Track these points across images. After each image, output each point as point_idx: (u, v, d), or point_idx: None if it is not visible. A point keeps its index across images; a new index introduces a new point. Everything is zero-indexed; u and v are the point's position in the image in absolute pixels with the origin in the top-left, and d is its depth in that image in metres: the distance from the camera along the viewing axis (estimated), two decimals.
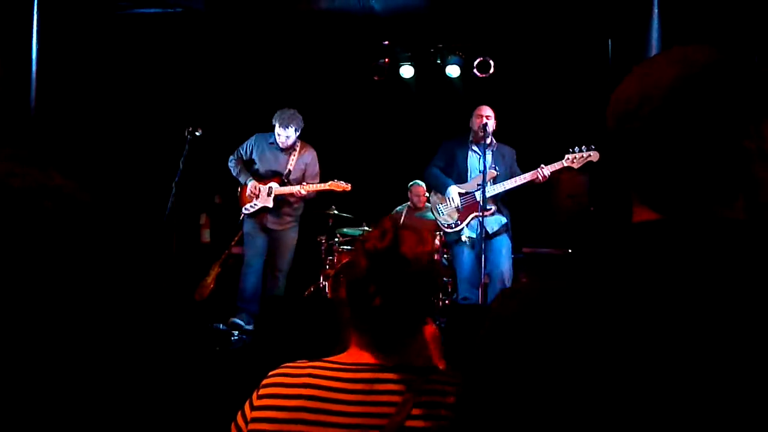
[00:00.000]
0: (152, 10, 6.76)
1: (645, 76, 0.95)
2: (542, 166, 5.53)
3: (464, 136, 5.95)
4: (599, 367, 0.81)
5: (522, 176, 5.62)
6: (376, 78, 8.36)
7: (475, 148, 5.85)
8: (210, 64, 7.95)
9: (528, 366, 0.85)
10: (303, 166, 6.26)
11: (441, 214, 6.02)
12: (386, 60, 8.28)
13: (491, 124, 5.72)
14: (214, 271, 6.95)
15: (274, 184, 6.14)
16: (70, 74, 6.03)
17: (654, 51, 5.10)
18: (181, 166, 5.57)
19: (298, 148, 6.27)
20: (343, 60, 8.35)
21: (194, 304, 6.97)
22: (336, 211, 7.44)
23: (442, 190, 5.96)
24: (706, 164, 0.87)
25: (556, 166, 5.52)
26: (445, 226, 5.97)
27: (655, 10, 5.14)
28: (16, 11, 5.71)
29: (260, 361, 1.54)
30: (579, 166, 5.46)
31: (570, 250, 7.25)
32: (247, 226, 6.29)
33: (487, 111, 5.78)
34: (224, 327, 6.15)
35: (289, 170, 6.20)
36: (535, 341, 0.86)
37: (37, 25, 5.69)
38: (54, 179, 0.83)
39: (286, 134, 6.09)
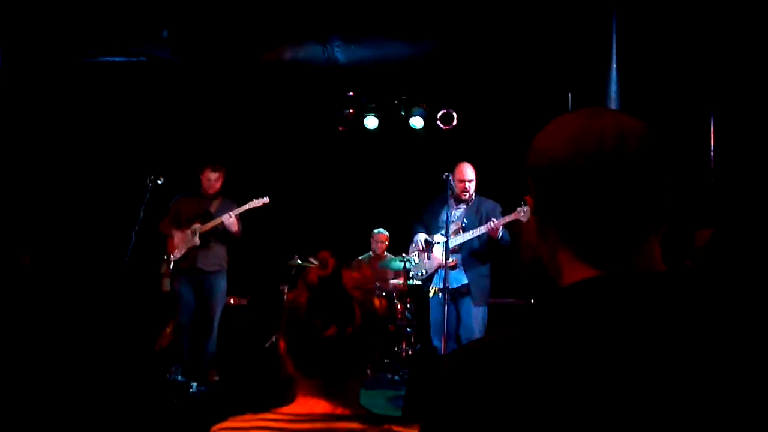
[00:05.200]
0: (118, 59, 6.76)
1: (588, 121, 0.98)
2: (493, 219, 5.66)
3: (445, 192, 6.04)
4: None
5: (478, 228, 5.74)
6: (340, 128, 8.42)
7: (451, 202, 5.92)
8: (174, 113, 7.94)
9: None
10: (226, 210, 6.36)
11: (413, 264, 6.16)
12: (351, 111, 8.35)
13: (472, 188, 5.93)
14: (174, 321, 6.83)
15: (196, 225, 6.28)
16: (32, 119, 5.98)
17: (613, 104, 5.22)
18: (141, 214, 5.53)
19: (220, 197, 6.51)
20: (308, 110, 8.40)
21: (153, 354, 6.83)
22: (299, 261, 7.39)
23: (413, 239, 6.11)
24: (643, 199, 0.94)
25: (508, 218, 5.65)
26: (415, 275, 6.09)
27: (614, 65, 5.28)
28: None
29: (219, 413, 1.49)
30: (527, 218, 5.55)
31: (532, 300, 7.27)
32: (176, 282, 6.38)
33: (469, 175, 5.93)
34: (182, 378, 6.04)
35: (209, 212, 6.39)
36: (483, 415, 0.84)
37: (1, 69, 5.64)
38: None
39: (214, 177, 6.40)
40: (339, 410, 1.46)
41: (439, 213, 6.05)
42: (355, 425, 1.44)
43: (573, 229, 0.97)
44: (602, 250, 0.94)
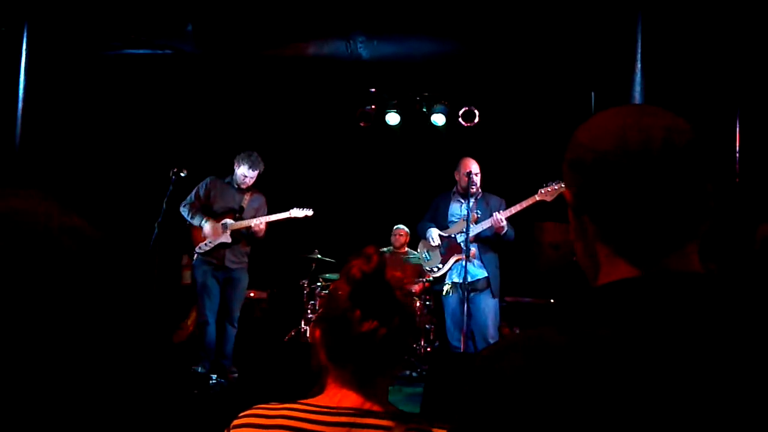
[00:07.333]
0: (142, 51, 6.80)
1: (635, 116, 0.97)
2: (497, 213, 5.53)
3: (449, 189, 6.04)
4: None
5: (489, 219, 5.63)
6: (362, 124, 8.43)
7: (458, 197, 5.92)
8: (197, 107, 7.98)
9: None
10: (256, 206, 6.33)
11: (426, 260, 6.07)
12: (373, 107, 8.36)
13: (478, 180, 5.80)
14: (194, 314, 6.87)
15: (228, 220, 6.18)
16: (56, 112, 6.02)
17: (637, 103, 5.17)
18: (164, 206, 5.55)
19: (252, 190, 6.38)
20: (331, 106, 8.41)
21: (173, 346, 6.88)
22: (319, 256, 7.41)
23: (425, 235, 6.05)
24: (688, 198, 0.93)
25: (528, 201, 5.50)
26: (430, 270, 6.02)
27: (638, 64, 5.23)
28: (5, 47, 5.73)
29: (239, 405, 1.49)
30: (552, 198, 5.44)
31: (552, 300, 7.25)
32: (201, 275, 6.21)
33: (475, 168, 5.81)
34: (203, 370, 6.07)
35: (242, 207, 6.28)
36: (523, 408, 0.84)
37: (26, 62, 5.69)
38: (74, 220, 0.85)
39: (251, 175, 6.21)
40: (368, 405, 1.45)
41: (444, 210, 6.05)
42: (383, 422, 1.42)
43: (614, 224, 0.95)
44: (643, 247, 0.93)
